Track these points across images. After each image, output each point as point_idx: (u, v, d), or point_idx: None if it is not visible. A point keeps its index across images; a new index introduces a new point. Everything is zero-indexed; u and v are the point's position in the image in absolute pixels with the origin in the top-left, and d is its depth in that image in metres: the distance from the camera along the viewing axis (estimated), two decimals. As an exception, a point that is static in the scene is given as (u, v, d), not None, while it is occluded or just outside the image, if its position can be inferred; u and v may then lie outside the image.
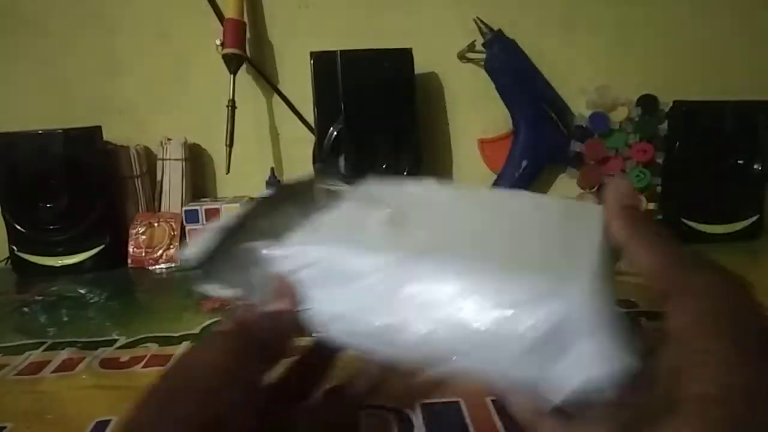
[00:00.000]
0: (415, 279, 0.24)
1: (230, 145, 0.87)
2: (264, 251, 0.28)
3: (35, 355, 0.56)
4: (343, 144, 0.85)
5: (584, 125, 0.91)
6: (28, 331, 0.63)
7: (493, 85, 0.93)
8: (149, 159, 0.96)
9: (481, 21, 0.90)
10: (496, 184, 0.93)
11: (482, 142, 0.97)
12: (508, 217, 0.28)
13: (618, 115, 0.90)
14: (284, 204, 0.32)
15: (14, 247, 0.86)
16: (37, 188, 0.84)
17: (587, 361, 0.20)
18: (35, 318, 0.69)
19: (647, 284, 0.22)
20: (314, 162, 0.89)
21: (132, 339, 0.59)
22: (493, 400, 0.43)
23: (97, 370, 0.53)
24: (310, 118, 0.89)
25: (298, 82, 0.91)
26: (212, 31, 0.89)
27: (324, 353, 0.28)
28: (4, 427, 0.43)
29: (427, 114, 0.95)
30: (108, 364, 0.54)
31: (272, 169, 0.93)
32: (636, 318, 0.55)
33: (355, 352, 0.26)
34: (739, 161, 0.86)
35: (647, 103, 0.90)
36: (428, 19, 0.95)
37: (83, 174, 0.84)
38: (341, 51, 0.84)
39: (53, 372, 0.53)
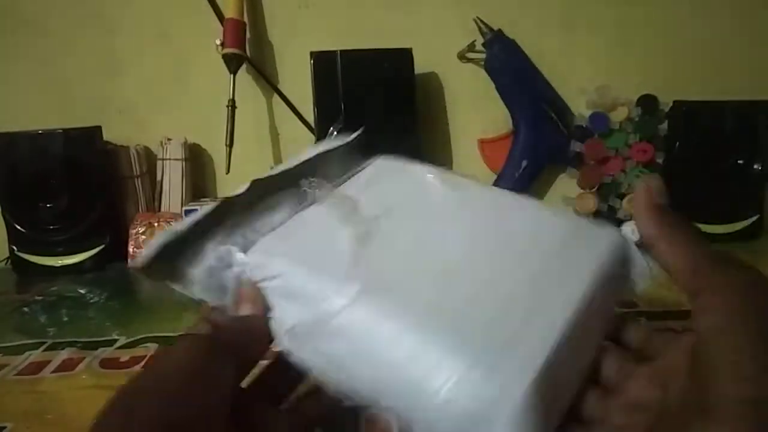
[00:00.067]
0: (361, 318, 0.24)
1: (230, 145, 0.87)
2: (237, 256, 0.27)
3: (35, 355, 0.56)
4: (343, 144, 0.85)
5: (584, 125, 0.91)
6: (28, 331, 0.63)
7: (493, 85, 0.92)
8: (149, 159, 0.96)
9: (481, 21, 0.90)
10: (496, 184, 0.93)
11: (482, 142, 0.97)
12: (493, 242, 0.27)
13: (618, 115, 0.90)
14: (261, 201, 0.31)
15: (14, 247, 0.86)
16: (37, 188, 0.84)
17: None
18: (35, 318, 0.69)
19: (675, 283, 0.22)
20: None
21: (132, 339, 0.59)
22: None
23: (97, 370, 0.53)
24: (310, 118, 0.89)
25: (298, 82, 0.91)
26: (212, 31, 0.89)
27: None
28: (4, 427, 0.43)
29: (427, 114, 0.95)
30: (108, 364, 0.54)
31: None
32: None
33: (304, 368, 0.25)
34: (739, 161, 0.85)
35: (647, 103, 0.90)
36: (428, 19, 0.95)
37: (83, 174, 0.84)
38: (341, 51, 0.84)
39: (53, 372, 0.53)
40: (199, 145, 0.99)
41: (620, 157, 0.90)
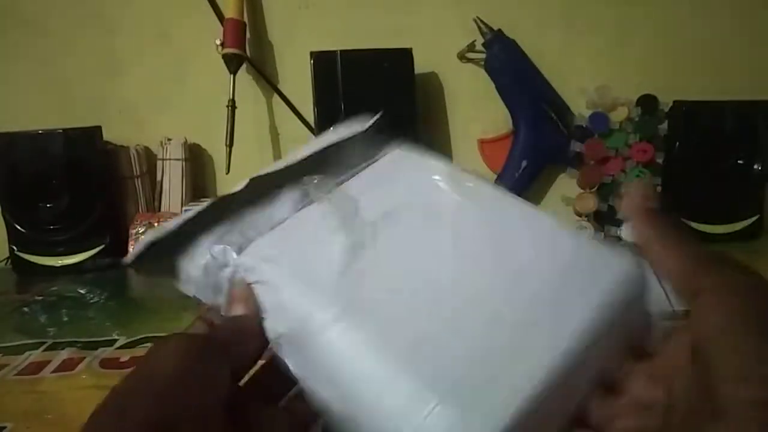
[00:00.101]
0: (339, 341, 0.23)
1: (230, 145, 0.87)
2: (231, 256, 0.27)
3: (35, 355, 0.56)
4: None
5: (584, 125, 0.91)
6: (28, 331, 0.63)
7: (493, 85, 0.93)
8: (149, 159, 0.96)
9: (481, 21, 0.90)
10: (496, 184, 0.93)
11: (482, 142, 0.97)
12: (489, 260, 0.26)
13: (618, 115, 0.90)
14: (262, 198, 0.31)
15: (14, 247, 0.86)
16: (37, 188, 0.84)
17: None
18: (35, 318, 0.69)
19: (673, 286, 0.22)
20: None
21: (132, 339, 0.59)
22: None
23: (97, 370, 0.53)
24: (310, 118, 0.89)
25: (298, 82, 0.91)
26: (212, 31, 0.89)
27: None
28: (4, 427, 0.43)
29: (427, 114, 0.95)
30: (108, 364, 0.54)
31: (272, 169, 0.93)
32: None
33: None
34: (739, 161, 0.85)
35: (647, 103, 0.90)
36: (428, 19, 0.95)
37: (83, 174, 0.84)
38: (341, 51, 0.84)
39: (53, 372, 0.53)
40: (199, 145, 0.99)
41: (620, 157, 0.90)
